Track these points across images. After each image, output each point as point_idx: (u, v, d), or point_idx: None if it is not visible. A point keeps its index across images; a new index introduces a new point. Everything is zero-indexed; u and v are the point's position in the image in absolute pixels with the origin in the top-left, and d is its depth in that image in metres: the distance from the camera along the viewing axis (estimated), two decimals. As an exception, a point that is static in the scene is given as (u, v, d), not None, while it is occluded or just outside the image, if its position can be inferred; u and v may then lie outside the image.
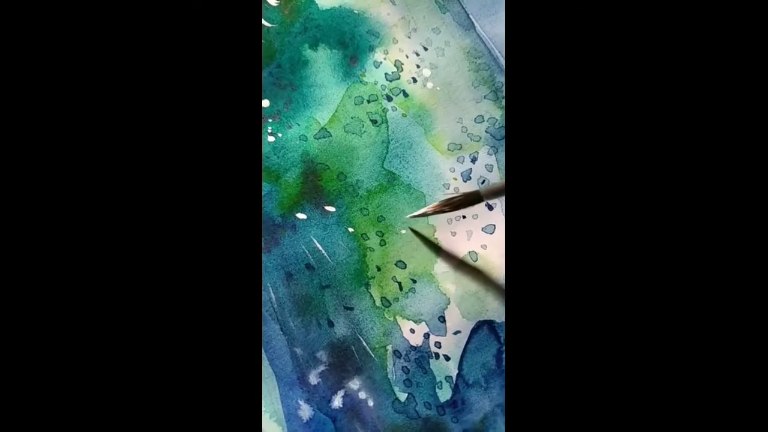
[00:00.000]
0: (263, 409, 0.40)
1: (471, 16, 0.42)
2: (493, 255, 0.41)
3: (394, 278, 0.41)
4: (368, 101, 0.42)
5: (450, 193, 0.42)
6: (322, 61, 0.42)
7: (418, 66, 0.42)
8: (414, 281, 0.41)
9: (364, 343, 0.41)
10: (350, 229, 0.41)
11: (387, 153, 0.42)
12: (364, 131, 0.42)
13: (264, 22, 0.42)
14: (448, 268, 0.42)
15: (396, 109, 0.42)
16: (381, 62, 0.42)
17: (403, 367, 0.41)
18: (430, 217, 0.41)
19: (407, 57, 0.42)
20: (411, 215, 0.41)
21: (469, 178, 0.42)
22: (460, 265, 0.42)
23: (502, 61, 0.42)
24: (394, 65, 0.42)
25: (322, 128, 0.42)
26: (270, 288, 0.41)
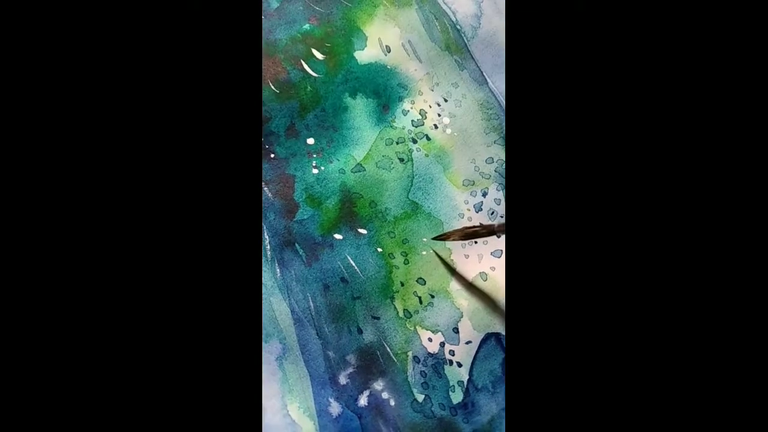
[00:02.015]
0: (297, 405, 0.41)
1: (484, 74, 0.44)
2: (499, 275, 0.43)
3: (415, 293, 0.42)
4: (397, 143, 0.44)
5: (471, 225, 0.43)
6: (359, 108, 0.44)
7: (439, 115, 0.44)
8: (432, 296, 0.42)
9: (388, 349, 0.42)
10: (379, 249, 0.43)
11: (411, 186, 0.43)
12: (393, 167, 0.44)
13: (311, 72, 0.44)
14: (460, 286, 0.43)
15: (420, 150, 0.44)
16: (408, 110, 0.44)
17: (421, 371, 0.42)
18: (447, 242, 0.42)
19: (430, 107, 0.44)
20: (433, 237, 0.42)
21: (481, 209, 0.43)
22: (471, 284, 0.43)
23: (510, 113, 0.43)
24: (419, 113, 0.44)
25: (358, 164, 0.44)
26: (310, 297, 0.42)
